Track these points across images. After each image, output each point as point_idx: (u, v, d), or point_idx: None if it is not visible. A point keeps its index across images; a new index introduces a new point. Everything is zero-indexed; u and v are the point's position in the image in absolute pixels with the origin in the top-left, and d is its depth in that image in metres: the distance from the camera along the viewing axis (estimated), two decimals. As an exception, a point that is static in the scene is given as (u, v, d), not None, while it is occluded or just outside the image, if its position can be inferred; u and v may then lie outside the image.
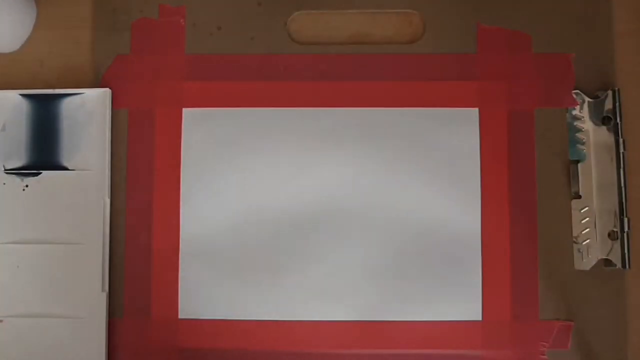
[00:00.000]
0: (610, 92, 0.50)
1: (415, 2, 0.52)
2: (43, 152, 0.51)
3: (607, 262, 0.50)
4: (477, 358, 0.49)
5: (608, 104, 0.51)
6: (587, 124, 0.51)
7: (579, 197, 0.50)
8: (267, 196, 0.50)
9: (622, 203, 0.50)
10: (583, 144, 0.51)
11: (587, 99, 0.51)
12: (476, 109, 0.51)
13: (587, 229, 0.50)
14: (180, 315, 0.50)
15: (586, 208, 0.50)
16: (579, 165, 0.50)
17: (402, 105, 0.51)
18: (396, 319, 0.50)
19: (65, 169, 0.51)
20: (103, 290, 0.49)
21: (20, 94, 0.51)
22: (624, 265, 0.49)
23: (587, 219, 0.50)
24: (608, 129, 0.51)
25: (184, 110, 0.50)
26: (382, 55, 0.52)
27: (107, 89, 0.51)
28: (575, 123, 0.51)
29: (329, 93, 0.51)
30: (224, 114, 0.50)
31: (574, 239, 0.50)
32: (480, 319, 0.50)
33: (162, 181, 0.51)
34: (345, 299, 0.48)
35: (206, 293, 0.50)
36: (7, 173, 0.51)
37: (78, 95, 0.51)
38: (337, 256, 0.50)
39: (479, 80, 0.51)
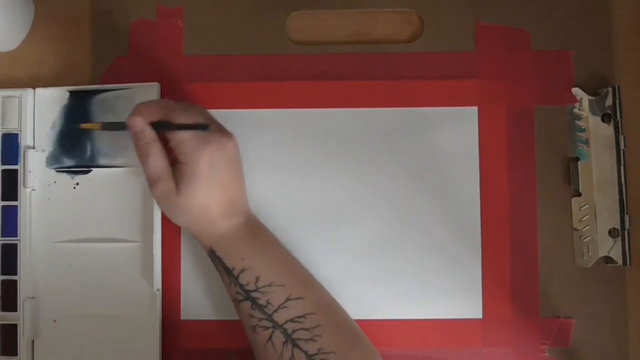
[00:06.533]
0: (610, 89, 0.50)
1: (413, 1, 0.52)
2: (93, 149, 0.50)
3: (608, 260, 0.50)
4: (478, 356, 0.50)
5: (608, 101, 0.50)
6: (587, 122, 0.51)
7: (579, 194, 0.50)
8: (267, 196, 0.50)
9: (623, 200, 0.50)
10: (583, 141, 0.51)
11: (587, 96, 0.51)
12: (475, 108, 0.51)
13: (588, 227, 0.50)
14: (183, 317, 0.50)
15: (586, 205, 0.50)
16: (579, 162, 0.50)
17: (401, 104, 0.51)
18: (397, 317, 0.50)
19: (115, 166, 0.50)
20: (157, 289, 0.49)
21: (69, 91, 0.50)
22: (625, 263, 0.49)
23: (588, 216, 0.50)
24: (608, 126, 0.50)
25: (184, 112, 0.50)
26: (381, 54, 0.51)
27: (157, 83, 0.50)
28: (575, 120, 0.51)
29: (328, 93, 0.51)
30: (224, 116, 0.49)
31: (575, 235, 0.50)
32: (481, 317, 0.50)
33: (162, 183, 0.50)
34: (346, 298, 0.48)
35: (208, 294, 0.50)
36: (57, 171, 0.50)
37: (127, 90, 0.50)
38: (337, 256, 0.50)
39: (478, 79, 0.51)
